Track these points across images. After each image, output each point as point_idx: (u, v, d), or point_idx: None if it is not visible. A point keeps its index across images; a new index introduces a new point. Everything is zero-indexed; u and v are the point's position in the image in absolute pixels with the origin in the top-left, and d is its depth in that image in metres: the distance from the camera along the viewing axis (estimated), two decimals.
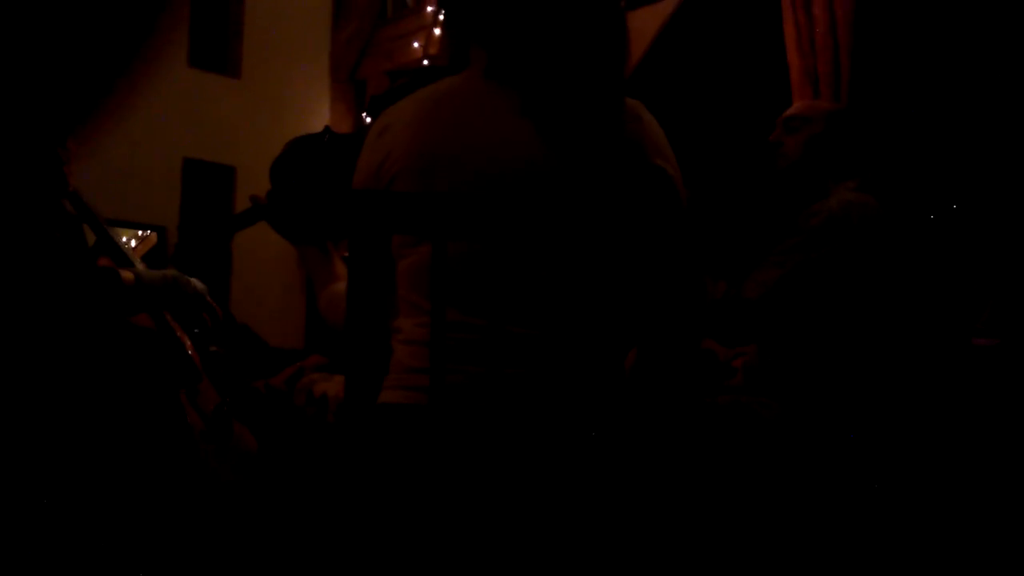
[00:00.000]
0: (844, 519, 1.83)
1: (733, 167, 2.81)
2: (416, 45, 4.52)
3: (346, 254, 1.14)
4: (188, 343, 2.02)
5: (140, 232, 3.70)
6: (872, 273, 1.96)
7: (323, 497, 2.01)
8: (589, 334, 1.21)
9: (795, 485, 1.86)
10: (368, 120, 1.81)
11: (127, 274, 1.84)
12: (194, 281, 1.97)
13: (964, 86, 2.83)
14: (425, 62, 4.36)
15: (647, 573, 1.18)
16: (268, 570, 2.05)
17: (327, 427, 1.94)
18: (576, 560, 1.14)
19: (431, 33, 4.37)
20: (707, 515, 1.84)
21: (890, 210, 2.04)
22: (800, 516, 1.84)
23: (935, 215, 2.70)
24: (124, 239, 2.16)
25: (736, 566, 1.82)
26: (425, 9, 4.52)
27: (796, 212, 2.06)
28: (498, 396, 1.15)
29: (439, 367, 1.07)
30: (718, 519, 1.85)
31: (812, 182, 2.11)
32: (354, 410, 1.03)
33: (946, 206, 2.72)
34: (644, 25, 3.48)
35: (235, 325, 3.62)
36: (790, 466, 1.88)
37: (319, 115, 4.87)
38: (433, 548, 1.11)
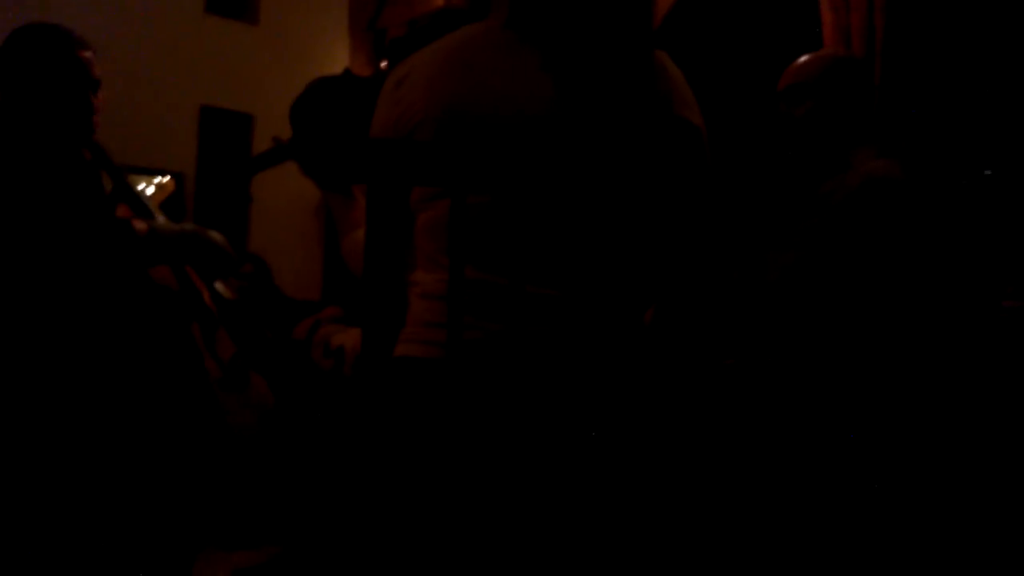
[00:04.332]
0: (873, 492, 1.81)
1: (755, 138, 2.75)
2: None
3: None
4: (205, 293, 2.02)
5: (157, 178, 3.69)
6: (897, 250, 1.89)
7: (340, 448, 2.02)
8: (610, 293, 1.19)
9: (818, 455, 1.84)
10: (385, 65, 1.79)
11: (140, 224, 1.84)
12: (213, 233, 1.97)
13: (1003, 45, 2.76)
14: None
15: (662, 538, 1.18)
16: (283, 520, 2.07)
17: (344, 380, 1.94)
18: (589, 521, 1.13)
19: None
20: (725, 480, 1.84)
21: (916, 176, 1.96)
22: (822, 488, 1.83)
23: (969, 179, 2.64)
24: (142, 185, 2.15)
25: (758, 535, 1.82)
26: None
27: (813, 185, 1.98)
28: (517, 353, 1.13)
29: (456, 322, 1.05)
30: (736, 485, 1.84)
31: (829, 151, 2.01)
32: (372, 363, 1.03)
33: (980, 169, 2.66)
34: None
35: (265, 278, 3.61)
36: (810, 437, 1.86)
37: (338, 63, 4.82)
38: (449, 504, 1.10)
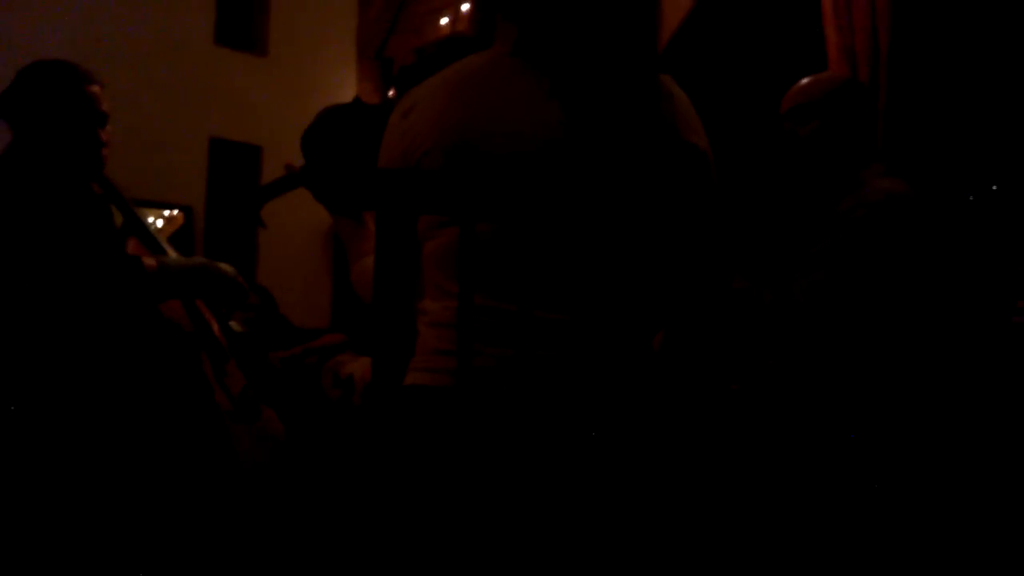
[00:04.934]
0: (884, 503, 1.80)
1: (761, 158, 2.75)
2: (444, 21, 4.49)
3: None
4: (215, 325, 2.02)
5: (167, 212, 3.71)
6: (916, 266, 1.88)
7: (350, 479, 2.01)
8: (618, 318, 1.19)
9: (827, 470, 1.83)
10: (393, 94, 1.81)
11: (150, 261, 1.84)
12: (223, 266, 1.98)
13: (1007, 62, 2.76)
14: None
15: (674, 562, 1.17)
16: (293, 553, 2.06)
17: (353, 409, 1.94)
18: (603, 546, 1.12)
19: (459, 9, 4.34)
20: (736, 496, 1.82)
21: (925, 194, 1.96)
22: (832, 498, 1.81)
23: (976, 195, 2.64)
24: (151, 219, 2.16)
25: (767, 544, 1.81)
26: None
27: (825, 203, 1.98)
28: (528, 379, 1.13)
29: (467, 350, 1.05)
30: (747, 500, 1.83)
31: (836, 169, 2.02)
32: (381, 392, 1.02)
33: (987, 185, 2.66)
34: (677, 1, 3.42)
35: (271, 309, 3.63)
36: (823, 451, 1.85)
37: (346, 93, 4.86)
38: (461, 533, 1.09)
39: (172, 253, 2.01)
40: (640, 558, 1.14)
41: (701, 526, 1.22)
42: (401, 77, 1.62)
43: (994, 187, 2.63)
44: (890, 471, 1.79)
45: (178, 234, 2.22)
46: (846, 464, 1.81)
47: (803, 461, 1.84)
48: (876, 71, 2.73)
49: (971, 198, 2.64)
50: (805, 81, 2.09)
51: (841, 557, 1.78)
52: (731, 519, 1.79)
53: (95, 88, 1.95)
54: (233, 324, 2.08)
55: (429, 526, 1.10)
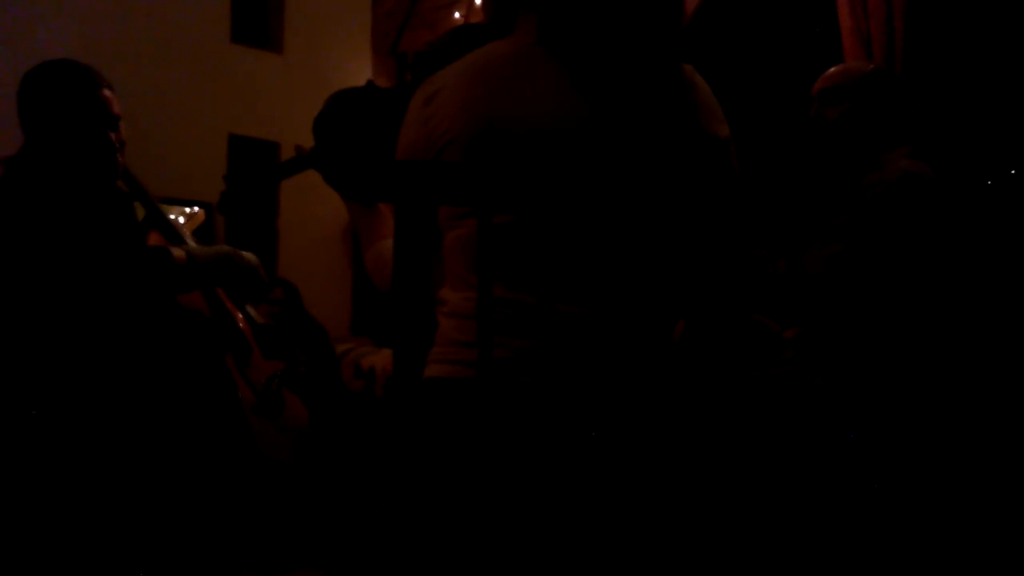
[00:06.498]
0: (896, 495, 1.80)
1: (781, 139, 2.75)
2: (457, 15, 4.49)
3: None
4: (239, 316, 2.03)
5: (188, 209, 3.73)
6: (934, 245, 1.90)
7: (373, 470, 2.03)
8: (638, 310, 1.19)
9: (845, 456, 1.83)
10: (409, 79, 1.78)
11: (179, 252, 1.83)
12: (247, 255, 1.97)
13: (1020, 48, 2.74)
14: None
15: (699, 553, 1.17)
16: (321, 543, 2.08)
17: (375, 401, 1.95)
18: (624, 536, 1.13)
19: (472, 3, 4.34)
20: (756, 486, 1.83)
21: (946, 178, 1.97)
22: (850, 489, 1.81)
23: (993, 181, 2.62)
24: (173, 216, 2.17)
25: (786, 536, 1.81)
26: None
27: (847, 183, 1.99)
28: (547, 370, 1.13)
29: (486, 341, 1.05)
30: (767, 490, 1.83)
31: (861, 152, 2.03)
32: (403, 385, 1.03)
33: (1005, 172, 2.64)
34: None
35: (296, 303, 3.65)
36: (841, 436, 1.85)
37: None
38: (480, 522, 1.10)
39: (194, 244, 2.01)
40: (657, 546, 1.15)
41: (719, 517, 1.22)
42: (417, 63, 1.60)
43: (1012, 172, 2.62)
44: (900, 453, 1.80)
45: (199, 230, 2.23)
46: (858, 449, 1.81)
47: (816, 447, 1.84)
48: (891, 56, 2.71)
49: (989, 183, 2.63)
50: (837, 67, 2.12)
51: (854, 546, 1.78)
52: (748, 510, 1.79)
53: (107, 92, 1.89)
54: (255, 315, 2.09)
55: (451, 517, 1.11)
